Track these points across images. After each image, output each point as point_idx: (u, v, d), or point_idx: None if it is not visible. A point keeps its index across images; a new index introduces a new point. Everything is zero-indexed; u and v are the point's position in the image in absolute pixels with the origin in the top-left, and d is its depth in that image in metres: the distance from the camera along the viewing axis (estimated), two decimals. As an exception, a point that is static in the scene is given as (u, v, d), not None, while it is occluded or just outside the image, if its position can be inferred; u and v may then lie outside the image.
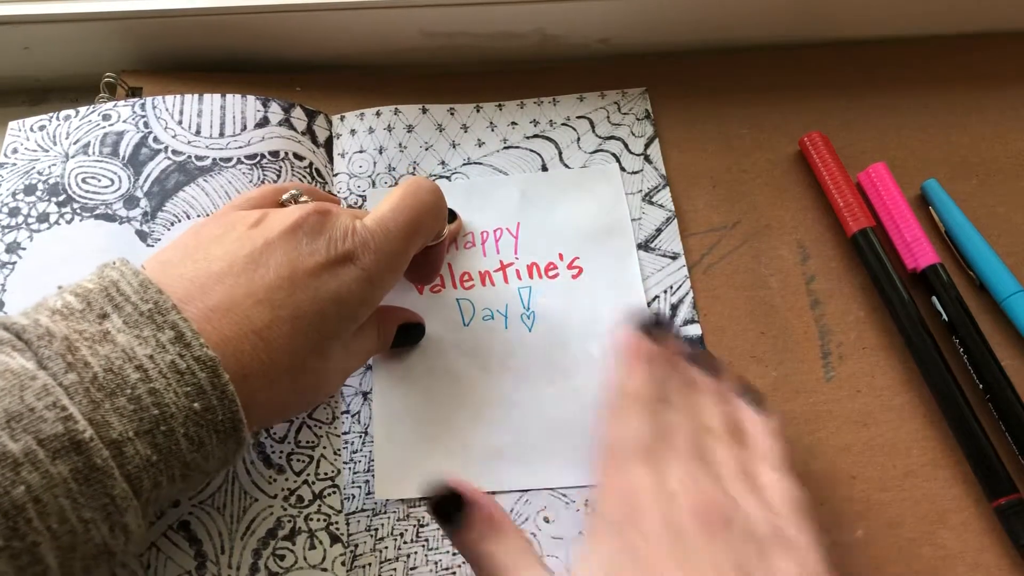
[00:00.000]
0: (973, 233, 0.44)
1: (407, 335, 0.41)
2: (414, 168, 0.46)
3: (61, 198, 0.43)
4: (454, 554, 0.37)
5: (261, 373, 0.30)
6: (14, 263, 0.41)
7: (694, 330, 0.42)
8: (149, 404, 0.26)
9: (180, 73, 0.49)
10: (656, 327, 0.36)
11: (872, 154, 0.47)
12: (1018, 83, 0.50)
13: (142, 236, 0.42)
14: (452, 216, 0.44)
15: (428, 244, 0.38)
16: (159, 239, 0.42)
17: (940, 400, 0.40)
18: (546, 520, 0.38)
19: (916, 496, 0.39)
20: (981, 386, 0.40)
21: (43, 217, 0.42)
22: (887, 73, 0.51)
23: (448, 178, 0.46)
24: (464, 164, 0.47)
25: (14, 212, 0.42)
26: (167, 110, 0.45)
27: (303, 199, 0.37)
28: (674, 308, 0.43)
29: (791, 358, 0.42)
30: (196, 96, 0.45)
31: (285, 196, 0.37)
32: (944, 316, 0.42)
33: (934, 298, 0.43)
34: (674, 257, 0.44)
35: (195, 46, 0.48)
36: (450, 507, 0.32)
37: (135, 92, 0.48)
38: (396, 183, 0.46)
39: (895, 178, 0.45)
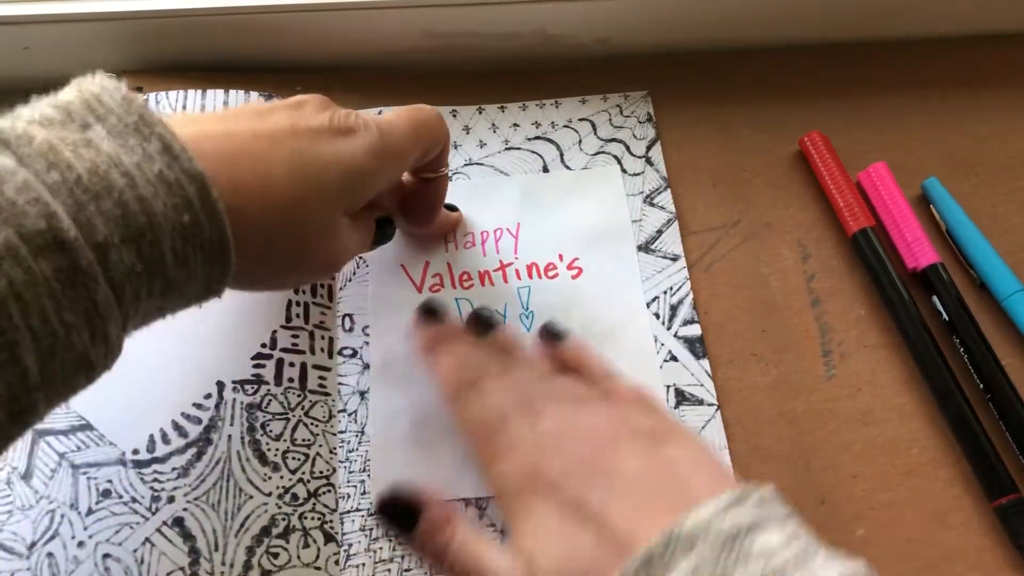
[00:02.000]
0: (974, 232, 0.44)
1: (382, 232, 0.39)
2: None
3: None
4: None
5: (256, 204, 0.29)
6: None
7: (694, 330, 0.42)
8: (136, 211, 0.25)
9: (180, 73, 0.49)
10: (429, 313, 0.39)
11: (872, 154, 0.47)
12: (1018, 83, 0.51)
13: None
14: (452, 208, 0.44)
15: (428, 176, 0.39)
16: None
17: (940, 399, 0.40)
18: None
19: (916, 495, 0.39)
20: (982, 385, 0.40)
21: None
22: (887, 73, 0.51)
23: (449, 179, 0.46)
24: (466, 164, 0.47)
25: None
26: (170, 105, 0.45)
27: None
28: (673, 309, 0.43)
29: (792, 356, 0.42)
30: (199, 92, 0.45)
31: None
32: (944, 315, 0.42)
33: (934, 298, 0.43)
34: (674, 259, 0.44)
35: (195, 46, 0.48)
36: (402, 511, 0.34)
37: (135, 92, 0.48)
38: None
39: (895, 178, 0.45)
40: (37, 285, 0.22)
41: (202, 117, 0.30)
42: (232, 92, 0.45)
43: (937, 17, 0.51)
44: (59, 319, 0.23)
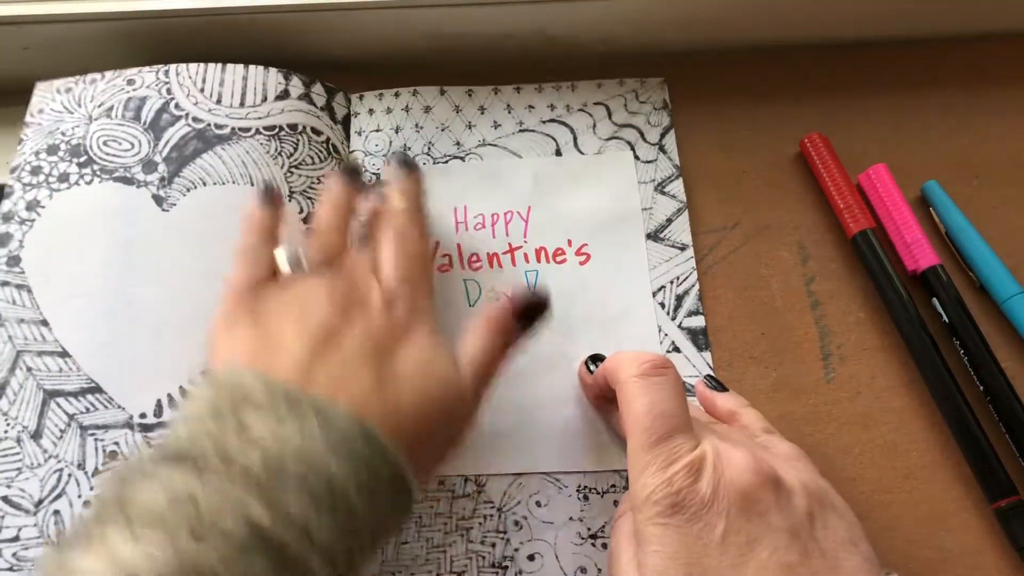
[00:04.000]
0: (973, 234, 0.44)
1: (532, 316, 0.36)
2: (429, 148, 0.47)
3: (82, 159, 0.43)
4: (446, 532, 0.38)
5: (396, 426, 0.29)
6: (33, 220, 0.42)
7: (698, 322, 0.42)
8: (315, 482, 0.26)
9: None
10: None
11: (872, 155, 0.47)
12: (1018, 84, 0.50)
13: (158, 200, 0.43)
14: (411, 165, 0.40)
15: None
16: (175, 204, 0.43)
17: (940, 402, 0.40)
18: (538, 504, 0.38)
19: (916, 498, 0.39)
20: (981, 388, 0.40)
21: (63, 177, 0.43)
22: (887, 75, 0.50)
23: (462, 159, 0.47)
24: (479, 145, 0.47)
25: (36, 171, 0.43)
26: (190, 77, 0.45)
27: (304, 264, 0.36)
28: (679, 299, 0.43)
29: (791, 359, 0.42)
30: (219, 65, 0.45)
31: (285, 269, 0.36)
32: (944, 318, 0.42)
33: (934, 299, 0.42)
34: (683, 248, 0.44)
35: (195, 46, 0.48)
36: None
37: None
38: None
39: (895, 179, 0.45)
40: None
41: (298, 365, 0.30)
42: (252, 68, 0.46)
43: (937, 18, 0.50)
44: None
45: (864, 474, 0.39)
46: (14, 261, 0.41)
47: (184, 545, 0.23)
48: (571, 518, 0.38)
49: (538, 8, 0.47)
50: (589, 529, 0.38)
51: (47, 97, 0.45)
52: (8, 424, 0.38)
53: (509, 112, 0.48)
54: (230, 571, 0.23)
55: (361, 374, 0.30)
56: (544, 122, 0.48)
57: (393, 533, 0.31)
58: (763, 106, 0.49)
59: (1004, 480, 0.38)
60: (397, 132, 0.47)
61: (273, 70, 0.46)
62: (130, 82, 0.45)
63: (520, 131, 0.47)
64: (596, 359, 0.39)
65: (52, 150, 0.44)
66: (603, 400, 0.39)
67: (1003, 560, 0.37)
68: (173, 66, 0.45)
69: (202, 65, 0.46)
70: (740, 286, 0.44)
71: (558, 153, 0.47)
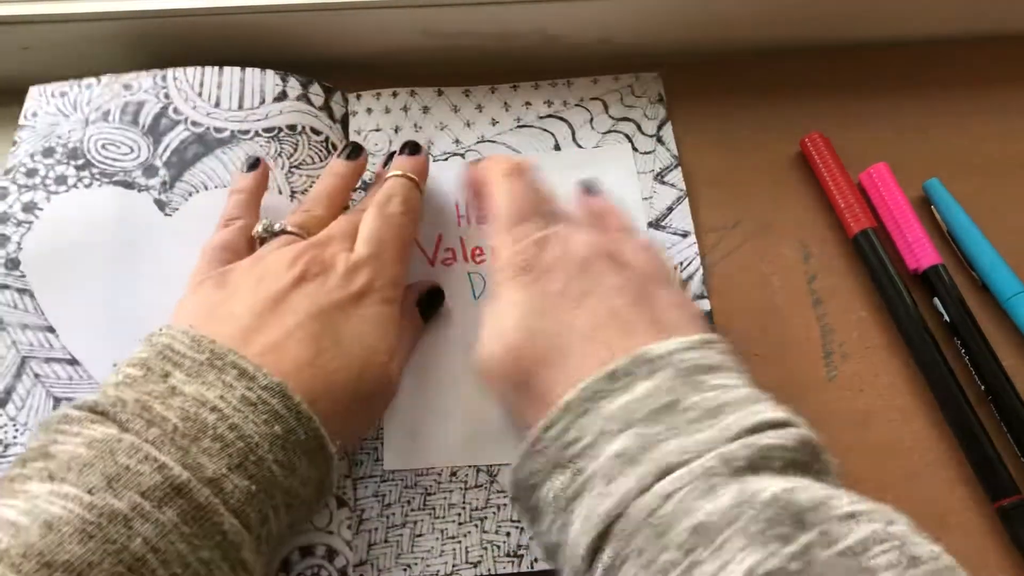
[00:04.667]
0: (975, 232, 0.44)
1: (430, 305, 0.42)
2: (428, 146, 0.47)
3: (80, 162, 0.43)
4: (460, 523, 0.37)
5: (325, 398, 0.31)
6: (31, 222, 0.42)
7: (704, 305, 0.43)
8: (233, 439, 0.28)
9: None
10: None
11: (873, 155, 0.47)
12: (1019, 85, 0.50)
13: (160, 205, 0.43)
14: (416, 149, 0.43)
15: None
16: (177, 208, 0.42)
17: (942, 401, 0.40)
18: (552, 488, 0.38)
19: (918, 497, 0.39)
20: (983, 387, 0.40)
21: (61, 179, 0.43)
22: (888, 75, 0.51)
23: (462, 155, 0.47)
24: (478, 142, 0.47)
25: (31, 173, 0.43)
26: (187, 81, 0.45)
27: (276, 227, 0.38)
28: (683, 284, 0.43)
29: (793, 357, 0.42)
30: (216, 68, 0.46)
31: (257, 230, 0.38)
32: (946, 317, 0.42)
33: (936, 299, 0.43)
34: (684, 235, 0.44)
35: (195, 46, 0.48)
36: None
37: None
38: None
39: (896, 178, 0.45)
40: (168, 533, 0.25)
41: (239, 331, 0.32)
42: (248, 70, 0.46)
43: (938, 18, 0.51)
44: (196, 558, 0.25)
45: (865, 473, 0.39)
46: (13, 264, 0.41)
47: (100, 495, 0.24)
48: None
49: (538, 8, 0.47)
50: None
51: (41, 100, 0.45)
52: (17, 430, 0.38)
53: (506, 109, 0.48)
54: (144, 521, 0.24)
55: (297, 340, 0.32)
56: (541, 118, 0.48)
57: (314, 501, 0.32)
58: (764, 106, 0.49)
59: (1006, 479, 0.38)
60: (397, 131, 0.47)
61: (270, 72, 0.46)
62: (127, 87, 0.45)
63: (518, 127, 0.48)
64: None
65: (48, 152, 0.43)
66: (478, 196, 0.40)
67: (1005, 559, 0.37)
68: (170, 70, 0.46)
69: (199, 69, 0.46)
70: (741, 283, 0.44)
71: (557, 148, 0.47)
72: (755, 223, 0.46)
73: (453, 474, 0.39)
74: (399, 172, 0.40)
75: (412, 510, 0.38)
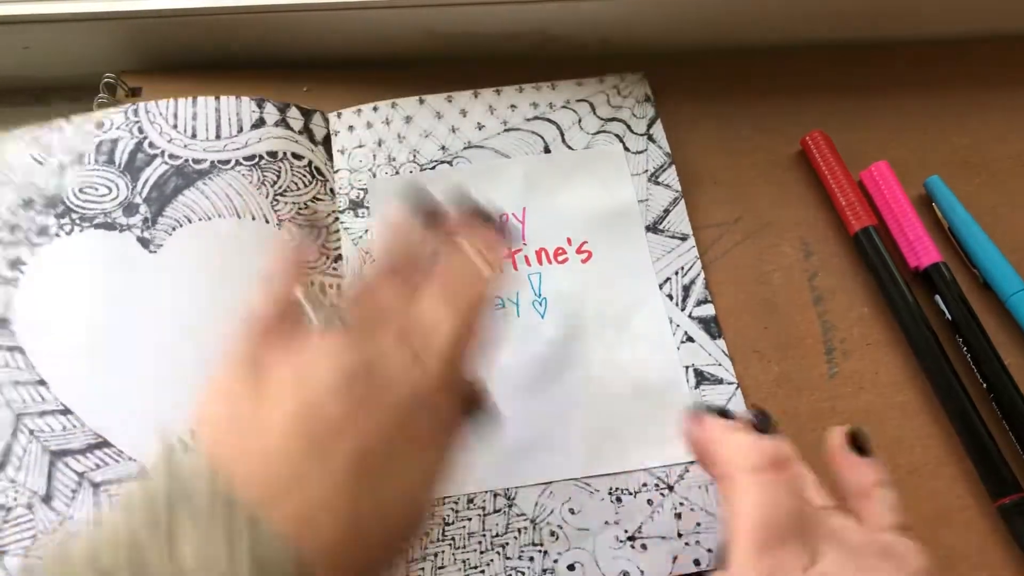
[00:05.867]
0: (977, 230, 0.44)
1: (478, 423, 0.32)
2: (414, 156, 0.46)
3: (59, 210, 0.42)
4: (481, 552, 0.37)
5: (352, 570, 0.26)
6: (17, 279, 0.41)
7: (708, 310, 0.42)
8: None
9: (180, 73, 0.48)
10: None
11: (874, 153, 0.47)
12: (1018, 84, 0.50)
13: (144, 243, 0.41)
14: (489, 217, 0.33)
15: None
16: (161, 244, 0.41)
17: (943, 398, 0.40)
18: (571, 511, 0.38)
19: (919, 495, 0.39)
20: (984, 384, 0.40)
21: (43, 230, 0.42)
22: (889, 73, 0.50)
23: (449, 163, 0.46)
24: (465, 148, 0.46)
25: (14, 228, 0.42)
26: (161, 114, 0.44)
27: (324, 299, 0.31)
28: (686, 289, 0.42)
29: (794, 354, 0.42)
30: (190, 99, 0.44)
31: (301, 298, 0.30)
32: (947, 314, 0.42)
33: (937, 297, 0.42)
34: (683, 238, 0.44)
35: (195, 46, 0.47)
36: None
37: (135, 92, 0.47)
38: (397, 173, 0.45)
39: (897, 176, 0.45)
40: None
41: (265, 458, 0.26)
42: (223, 99, 0.44)
43: (938, 17, 0.51)
44: None
45: None
46: (2, 323, 0.40)
47: None
48: (607, 522, 0.37)
49: (539, 8, 0.46)
50: (626, 531, 0.37)
51: (14, 149, 0.44)
52: (17, 492, 0.37)
53: (491, 113, 0.47)
54: None
55: (334, 510, 0.26)
56: (528, 120, 0.47)
57: None
58: (765, 104, 0.49)
59: (1007, 477, 0.38)
60: (380, 145, 0.46)
61: (245, 99, 0.44)
62: (99, 125, 0.44)
63: (505, 131, 0.47)
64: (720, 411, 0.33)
65: (27, 204, 0.42)
66: (704, 459, 0.32)
67: (1007, 557, 0.37)
68: (142, 104, 0.44)
69: (172, 100, 0.44)
70: (742, 281, 0.43)
71: (547, 150, 0.46)
72: (756, 221, 0.45)
73: (470, 501, 0.38)
74: (477, 250, 0.30)
75: (431, 542, 0.37)
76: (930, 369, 0.41)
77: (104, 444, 0.38)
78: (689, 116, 0.48)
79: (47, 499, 0.37)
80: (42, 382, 0.39)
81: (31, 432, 0.38)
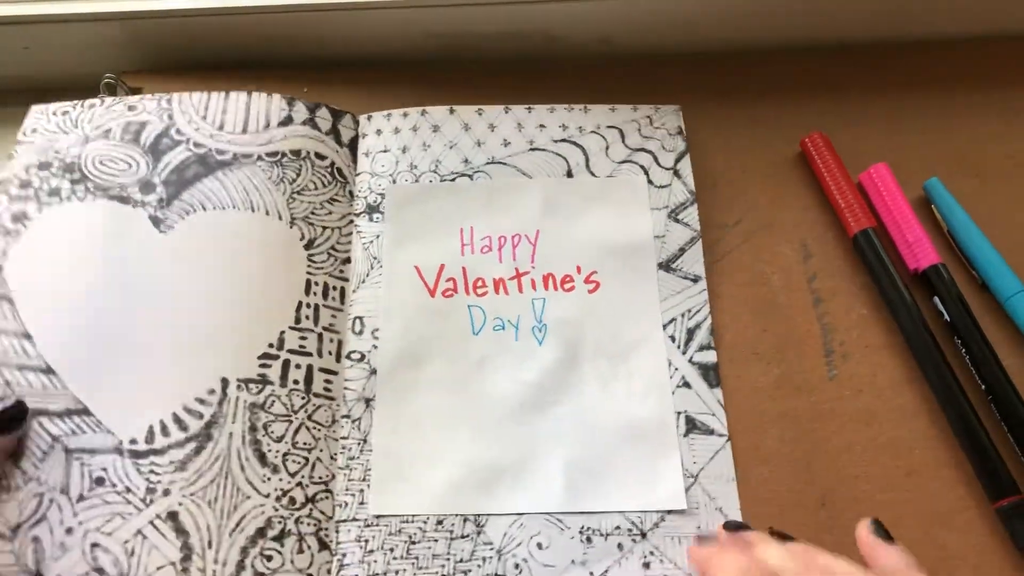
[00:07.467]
0: (975, 232, 0.43)
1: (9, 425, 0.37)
2: (436, 165, 0.45)
3: (75, 176, 0.43)
4: (444, 575, 0.36)
5: None
6: (19, 232, 0.41)
7: (709, 357, 0.41)
8: None
9: (180, 73, 0.49)
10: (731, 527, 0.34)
11: (873, 155, 0.46)
12: (1018, 85, 0.49)
13: (155, 222, 0.42)
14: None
15: None
16: (172, 226, 0.42)
17: (942, 400, 0.40)
18: (539, 546, 0.37)
19: (918, 496, 0.38)
20: (983, 386, 0.40)
21: (54, 192, 0.42)
22: (888, 75, 0.50)
23: (470, 176, 0.45)
24: (488, 163, 0.46)
25: (25, 184, 0.43)
26: (193, 106, 0.44)
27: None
28: (690, 333, 0.41)
29: (794, 356, 0.42)
30: (223, 93, 0.45)
31: None
32: (946, 316, 0.42)
33: (936, 298, 0.42)
34: (695, 280, 0.42)
35: (195, 46, 0.47)
36: None
37: (135, 92, 0.48)
38: (416, 181, 0.45)
39: (896, 178, 0.45)
40: None
41: None
42: (255, 95, 0.45)
43: (938, 18, 0.50)
44: None
45: (866, 472, 0.39)
46: None
47: None
48: (573, 561, 0.36)
49: (541, 8, 0.46)
50: (592, 573, 0.36)
51: (42, 119, 0.45)
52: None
53: (520, 130, 0.46)
54: None
55: None
56: (556, 141, 0.46)
57: None
58: (764, 106, 0.49)
59: (1006, 479, 0.37)
60: (404, 151, 0.46)
61: (276, 96, 0.45)
62: (131, 108, 0.44)
63: (531, 149, 0.46)
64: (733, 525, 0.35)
65: (44, 166, 0.43)
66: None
67: (1005, 559, 0.37)
68: (175, 94, 0.45)
69: (205, 93, 0.45)
70: (742, 282, 0.43)
71: (569, 174, 0.45)
72: (756, 222, 0.45)
73: (439, 522, 0.37)
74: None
75: (395, 558, 0.37)
76: (929, 371, 0.40)
77: (84, 412, 0.38)
78: (688, 117, 0.47)
79: (15, 455, 0.37)
80: (27, 336, 0.39)
81: (7, 383, 0.38)
